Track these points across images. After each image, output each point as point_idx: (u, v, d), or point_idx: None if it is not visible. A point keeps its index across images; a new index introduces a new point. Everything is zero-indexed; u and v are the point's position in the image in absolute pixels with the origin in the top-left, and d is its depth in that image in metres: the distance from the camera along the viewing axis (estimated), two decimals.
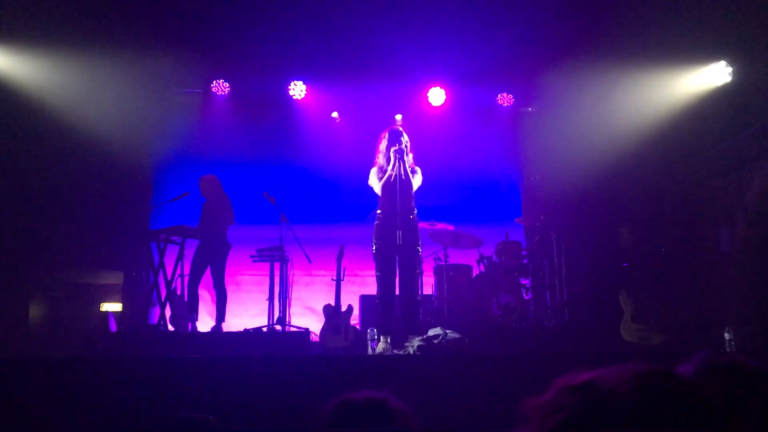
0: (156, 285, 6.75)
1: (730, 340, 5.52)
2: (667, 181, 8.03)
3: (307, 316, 8.50)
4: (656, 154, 7.86)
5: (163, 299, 6.66)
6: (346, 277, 7.23)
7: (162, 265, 6.71)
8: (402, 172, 5.80)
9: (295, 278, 8.04)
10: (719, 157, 7.51)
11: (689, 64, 7.60)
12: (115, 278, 7.61)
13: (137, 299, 7.62)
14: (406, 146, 5.96)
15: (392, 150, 5.86)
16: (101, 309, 7.43)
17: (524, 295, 7.57)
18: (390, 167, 5.85)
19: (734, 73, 7.34)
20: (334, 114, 9.16)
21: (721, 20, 6.80)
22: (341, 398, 1.48)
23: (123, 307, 7.45)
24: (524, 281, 7.78)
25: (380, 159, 6.01)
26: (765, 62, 6.60)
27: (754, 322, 6.69)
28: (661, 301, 6.66)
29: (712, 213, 7.60)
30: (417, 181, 5.98)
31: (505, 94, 9.31)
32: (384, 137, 6.05)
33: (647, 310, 6.37)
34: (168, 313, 6.76)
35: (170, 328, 6.89)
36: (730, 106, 7.26)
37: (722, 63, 7.43)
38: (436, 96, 9.01)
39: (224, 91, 8.89)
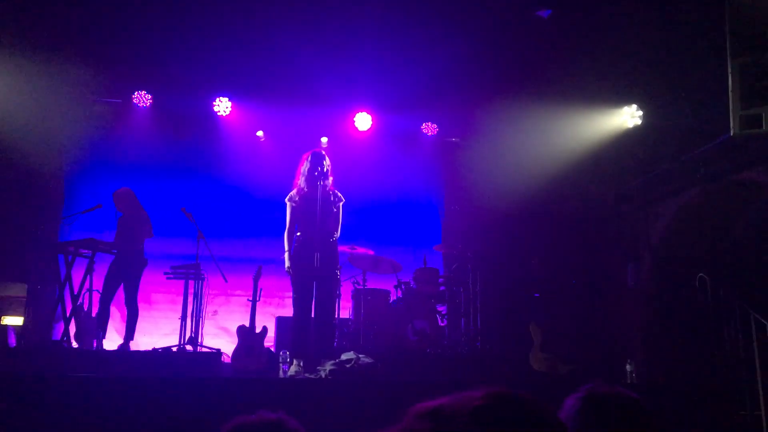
0: (61, 299, 6.47)
1: (631, 371, 5.77)
2: (580, 215, 8.33)
3: (220, 337, 8.34)
4: (571, 189, 8.16)
5: (68, 314, 6.40)
6: (263, 298, 7.13)
7: (69, 279, 6.45)
8: (323, 195, 5.80)
9: (210, 297, 7.88)
10: (629, 194, 7.86)
11: (604, 106, 7.96)
12: (18, 290, 7.25)
13: (41, 313, 7.28)
14: (327, 169, 5.97)
15: (314, 173, 5.87)
16: (1, 322, 7.07)
17: (440, 321, 7.67)
18: (309, 188, 5.85)
19: (644, 116, 7.75)
20: (259, 133, 9.09)
21: (633, 67, 7.17)
22: (234, 421, 1.47)
23: (25, 321, 7.11)
24: (440, 308, 7.90)
25: (301, 181, 5.99)
26: (671, 108, 7.00)
27: (656, 355, 7.01)
28: (569, 333, 6.88)
29: (621, 249, 7.93)
30: (339, 205, 6.01)
31: (429, 124, 9.47)
32: (306, 159, 6.04)
33: (556, 340, 6.57)
34: (73, 329, 6.48)
35: (74, 344, 6.62)
36: (640, 147, 7.65)
37: (633, 106, 7.83)
38: (363, 121, 9.07)
39: (146, 103, 8.65)
